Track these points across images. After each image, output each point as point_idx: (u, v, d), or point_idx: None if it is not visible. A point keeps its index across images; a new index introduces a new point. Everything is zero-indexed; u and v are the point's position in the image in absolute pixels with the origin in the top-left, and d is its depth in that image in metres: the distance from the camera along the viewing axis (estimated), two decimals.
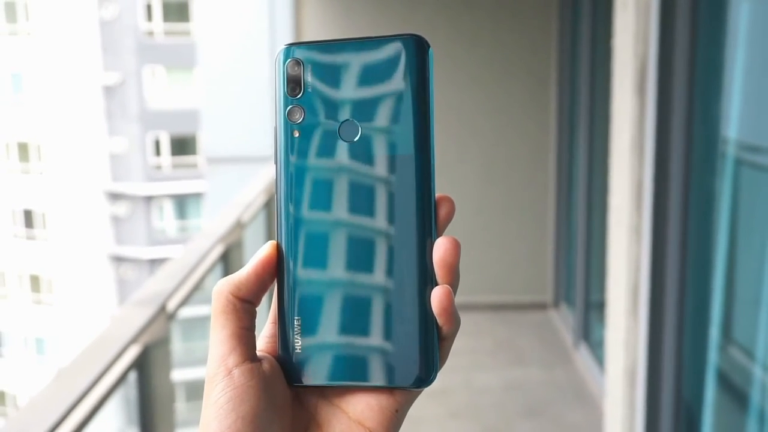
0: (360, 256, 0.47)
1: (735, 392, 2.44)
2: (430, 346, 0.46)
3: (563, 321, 5.10)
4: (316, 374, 0.47)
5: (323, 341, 0.47)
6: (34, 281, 21.18)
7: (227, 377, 0.45)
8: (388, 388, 0.47)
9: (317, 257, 0.47)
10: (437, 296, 0.46)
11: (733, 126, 2.37)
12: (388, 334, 0.46)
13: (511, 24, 5.37)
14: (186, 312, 2.80)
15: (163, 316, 2.33)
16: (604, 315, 3.16)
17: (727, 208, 2.38)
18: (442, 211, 0.48)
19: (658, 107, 2.57)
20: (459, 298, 0.47)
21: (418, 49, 0.47)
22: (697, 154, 2.53)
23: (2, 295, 21.50)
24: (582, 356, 4.49)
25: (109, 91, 21.20)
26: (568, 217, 5.10)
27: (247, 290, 0.47)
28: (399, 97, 0.47)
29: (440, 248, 0.46)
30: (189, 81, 21.11)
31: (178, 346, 2.86)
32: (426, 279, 0.46)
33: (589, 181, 4.36)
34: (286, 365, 0.48)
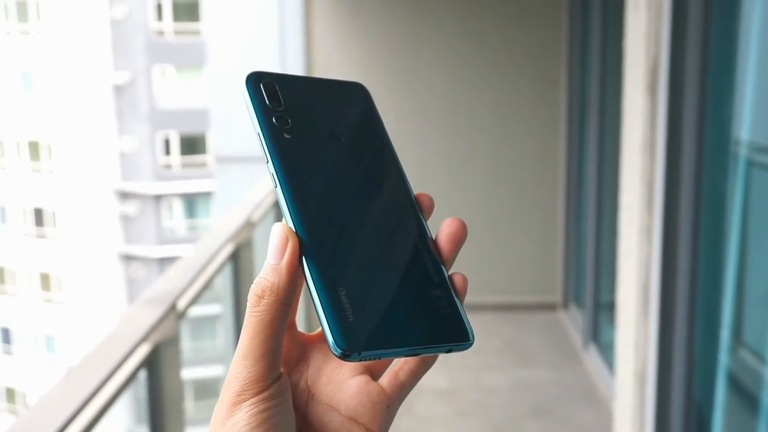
0: (375, 238, 0.50)
1: (745, 394, 2.43)
2: (461, 309, 0.50)
3: (572, 322, 5.08)
4: (373, 342, 0.46)
5: (373, 312, 0.47)
6: (44, 280, 21.27)
7: (266, 392, 0.45)
8: (447, 352, 0.49)
9: (339, 240, 0.49)
10: (459, 279, 0.49)
11: (744, 127, 2.36)
12: (426, 301, 0.49)
13: (520, 22, 5.36)
14: (195, 311, 2.80)
15: (173, 314, 2.33)
16: (614, 316, 3.15)
17: (738, 208, 2.36)
18: (424, 204, 0.52)
19: (669, 107, 2.56)
20: (467, 298, 0.50)
21: (361, 89, 0.57)
22: (709, 154, 2.52)
23: (13, 293, 21.60)
24: (591, 357, 4.47)
25: (119, 90, 21.27)
26: (577, 216, 5.09)
27: (293, 292, 0.47)
28: (359, 118, 0.55)
29: (452, 225, 0.50)
30: (199, 80, 21.16)
31: (186, 345, 2.87)
32: (435, 254, 0.51)
33: (599, 180, 4.35)
34: (340, 336, 0.45)
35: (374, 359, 0.46)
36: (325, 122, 0.53)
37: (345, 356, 0.45)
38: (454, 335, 0.48)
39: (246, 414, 0.44)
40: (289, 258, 0.46)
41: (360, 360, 0.46)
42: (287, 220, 0.48)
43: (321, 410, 0.49)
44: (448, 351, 0.48)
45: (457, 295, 0.50)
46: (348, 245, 0.49)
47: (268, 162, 0.50)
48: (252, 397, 0.45)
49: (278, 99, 0.52)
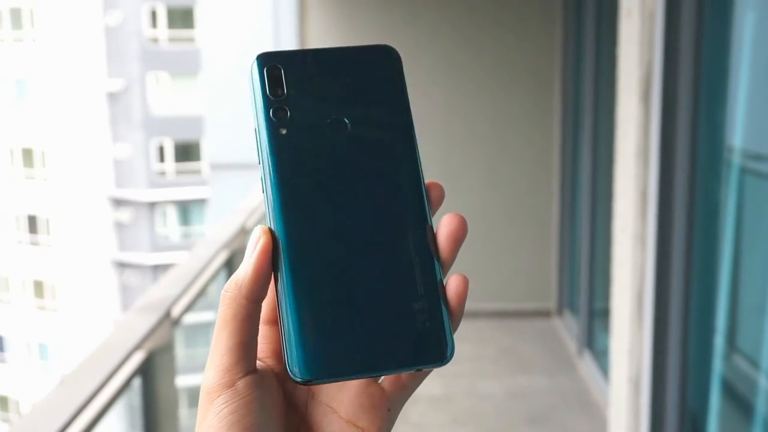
0: (362, 242, 0.46)
1: (740, 401, 2.43)
2: (445, 322, 0.46)
3: (567, 328, 5.09)
4: (334, 370, 0.44)
5: (337, 334, 0.45)
6: (38, 287, 21.20)
7: (231, 389, 0.43)
8: (411, 371, 0.46)
9: (320, 248, 0.46)
10: (455, 282, 0.46)
11: (737, 134, 2.37)
12: (401, 317, 0.45)
13: (515, 30, 5.37)
14: (189, 318, 2.80)
15: (168, 322, 2.33)
16: (608, 323, 3.15)
17: (732, 215, 2.37)
18: (433, 196, 0.48)
19: (663, 115, 2.56)
20: None
21: (390, 55, 0.50)
22: (702, 161, 2.53)
23: (6, 300, 21.51)
24: (586, 364, 4.48)
25: (113, 97, 21.25)
26: (572, 223, 5.10)
27: (259, 289, 0.45)
28: (378, 96, 0.49)
29: (451, 223, 0.47)
30: (193, 87, 21.15)
31: (180, 352, 2.86)
32: (431, 259, 0.46)
33: (593, 187, 4.36)
34: (298, 364, 0.44)
35: (335, 382, 0.45)
36: (332, 106, 0.48)
37: (302, 383, 0.44)
38: (427, 355, 0.45)
39: (216, 416, 0.43)
40: (256, 254, 0.45)
41: (317, 384, 0.45)
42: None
43: (321, 411, 0.47)
44: (418, 370, 0.46)
45: (446, 305, 0.46)
46: (328, 257, 0.46)
47: (259, 163, 0.47)
48: (221, 394, 0.43)
49: (281, 86, 0.48)
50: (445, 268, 0.47)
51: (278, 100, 0.48)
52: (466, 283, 0.46)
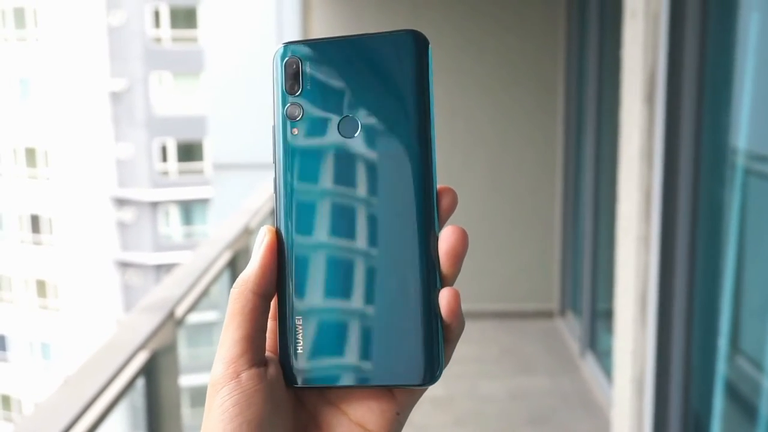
0: (363, 252, 0.46)
1: (743, 402, 2.43)
2: (436, 342, 0.45)
3: (569, 329, 5.08)
4: (319, 376, 0.46)
5: (326, 341, 0.46)
6: (40, 286, 21.22)
7: (234, 381, 0.44)
8: (395, 387, 0.46)
9: (319, 255, 0.46)
10: (445, 298, 0.45)
11: (742, 135, 2.36)
12: (393, 332, 0.45)
13: (518, 31, 5.37)
14: (192, 318, 2.80)
15: (171, 322, 2.33)
16: (611, 324, 3.15)
17: (735, 217, 2.37)
18: (444, 203, 0.47)
19: (667, 116, 2.56)
20: (464, 306, 0.46)
21: (416, 44, 0.47)
22: (706, 163, 2.53)
23: (8, 299, 21.54)
24: (588, 365, 4.47)
25: (116, 97, 21.27)
26: (574, 224, 5.09)
27: (265, 284, 0.46)
28: (399, 91, 0.46)
29: (450, 237, 0.45)
30: (196, 87, 21.17)
31: (183, 352, 2.87)
32: (430, 272, 0.45)
33: (596, 189, 4.35)
34: (287, 366, 0.46)
35: (320, 389, 0.47)
36: (346, 105, 0.46)
37: (289, 385, 0.46)
38: (413, 374, 0.45)
39: (219, 408, 0.44)
40: (262, 250, 0.46)
41: (303, 389, 0.46)
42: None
43: (330, 410, 0.47)
44: (405, 387, 0.46)
45: (434, 323, 0.45)
46: (326, 265, 0.46)
47: (273, 162, 0.47)
48: (225, 386, 0.44)
49: (298, 82, 0.46)
50: (447, 282, 0.46)
51: (293, 98, 0.46)
52: (456, 296, 0.45)
